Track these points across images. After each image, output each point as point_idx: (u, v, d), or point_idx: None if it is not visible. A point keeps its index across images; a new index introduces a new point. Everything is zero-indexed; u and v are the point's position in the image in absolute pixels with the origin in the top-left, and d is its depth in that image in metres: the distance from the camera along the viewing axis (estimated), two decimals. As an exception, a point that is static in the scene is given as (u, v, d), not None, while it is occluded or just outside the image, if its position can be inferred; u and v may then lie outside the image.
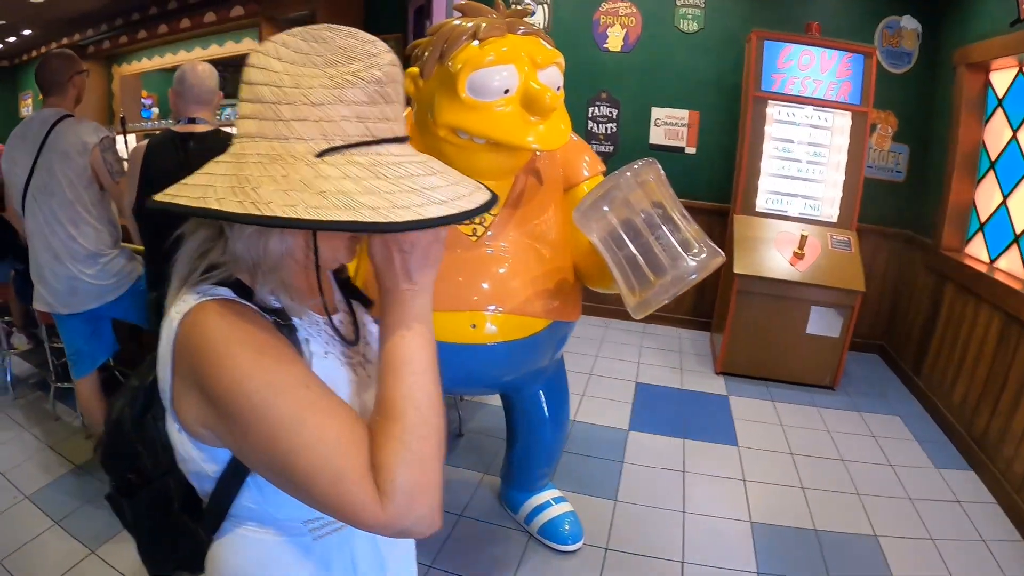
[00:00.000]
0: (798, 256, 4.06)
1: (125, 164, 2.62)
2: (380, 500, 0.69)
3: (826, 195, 4.32)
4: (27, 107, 10.30)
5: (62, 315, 2.68)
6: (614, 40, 4.94)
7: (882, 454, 3.45)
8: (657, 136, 5.04)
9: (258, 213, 0.65)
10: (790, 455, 3.38)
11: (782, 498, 3.00)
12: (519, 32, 1.80)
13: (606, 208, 1.73)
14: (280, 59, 0.73)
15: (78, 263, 2.57)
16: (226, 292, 0.78)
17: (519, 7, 1.95)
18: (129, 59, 7.84)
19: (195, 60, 2.52)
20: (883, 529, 2.80)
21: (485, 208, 0.75)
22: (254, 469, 0.78)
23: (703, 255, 1.70)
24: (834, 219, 4.28)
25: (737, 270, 4.05)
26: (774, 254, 4.11)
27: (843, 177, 4.23)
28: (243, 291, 0.80)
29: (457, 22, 1.79)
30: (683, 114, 4.97)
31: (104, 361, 2.93)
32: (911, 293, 4.60)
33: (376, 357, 0.96)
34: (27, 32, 8.39)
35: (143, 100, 8.19)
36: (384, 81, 0.74)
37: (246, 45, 6.38)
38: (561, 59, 1.88)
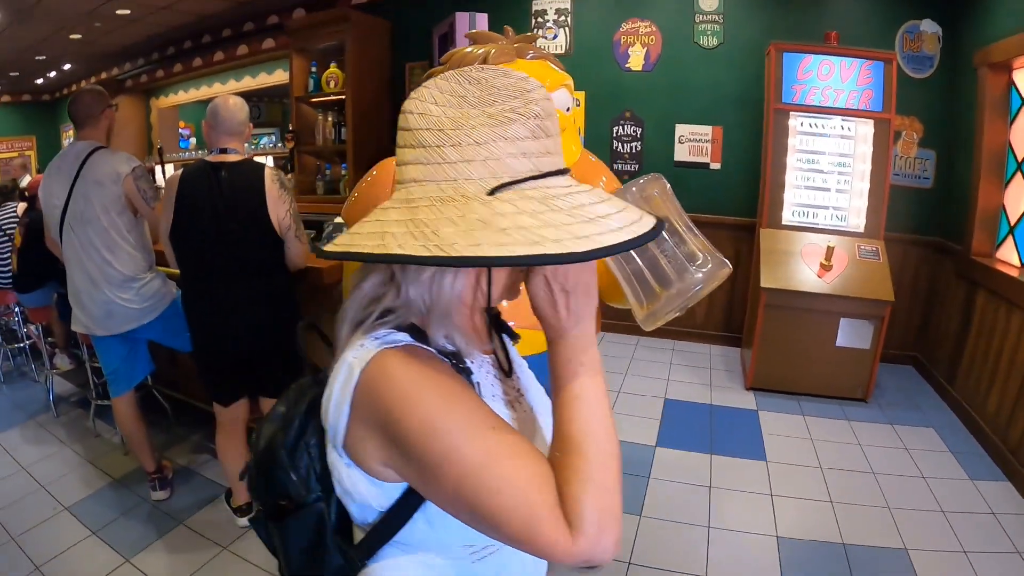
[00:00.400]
0: (825, 268, 4.03)
1: (162, 191, 2.73)
2: (571, 534, 0.71)
3: (852, 205, 4.28)
4: (68, 139, 10.70)
5: (99, 336, 2.78)
6: (636, 59, 5.00)
7: (915, 466, 3.39)
8: (682, 153, 5.06)
9: (444, 255, 0.67)
10: (819, 469, 3.34)
11: (810, 512, 2.97)
12: (528, 57, 1.87)
13: None
14: (436, 103, 0.75)
15: (114, 287, 2.68)
16: (405, 338, 0.81)
17: (529, 33, 2.03)
18: (166, 92, 8.09)
19: (226, 94, 2.61)
20: (914, 543, 2.75)
21: (656, 233, 0.74)
22: (442, 507, 0.79)
23: (708, 266, 1.72)
24: (861, 229, 4.24)
25: (764, 284, 4.03)
26: (801, 267, 4.08)
27: (868, 186, 4.20)
28: (419, 335, 0.82)
29: (469, 49, 1.87)
30: (707, 130, 4.99)
31: (141, 380, 3.05)
32: (943, 301, 4.53)
33: (527, 388, 1.01)
34: (67, 67, 8.75)
35: (181, 131, 8.45)
36: (542, 115, 0.75)
37: (277, 77, 6.55)
38: (570, 81, 1.93)
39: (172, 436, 3.59)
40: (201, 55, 7.02)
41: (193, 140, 8.53)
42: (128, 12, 6.11)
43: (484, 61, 1.80)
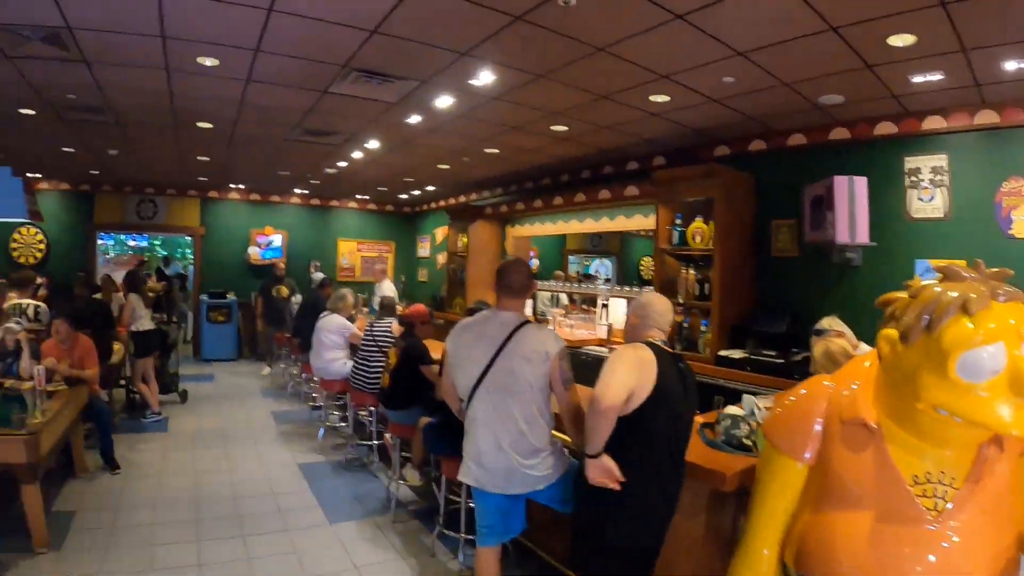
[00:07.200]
0: None
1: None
2: None
3: None
4: (423, 248, 12.17)
5: (487, 492, 2.78)
6: (1020, 224, 3.99)
7: None
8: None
9: None
10: None
11: None
12: (1000, 299, 1.65)
13: None
14: None
15: (520, 455, 2.69)
16: None
17: (997, 269, 1.72)
18: (522, 221, 8.68)
19: (656, 293, 2.92)
20: None
21: None
22: None
23: None
24: None
25: None
26: None
27: None
28: None
29: (938, 289, 1.69)
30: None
31: (514, 537, 3.00)
32: None
33: None
34: (430, 188, 9.97)
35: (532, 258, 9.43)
36: None
37: (636, 221, 6.69)
38: None
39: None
40: (561, 193, 7.41)
41: (536, 262, 9.52)
42: (497, 151, 6.71)
43: (963, 307, 1.61)
